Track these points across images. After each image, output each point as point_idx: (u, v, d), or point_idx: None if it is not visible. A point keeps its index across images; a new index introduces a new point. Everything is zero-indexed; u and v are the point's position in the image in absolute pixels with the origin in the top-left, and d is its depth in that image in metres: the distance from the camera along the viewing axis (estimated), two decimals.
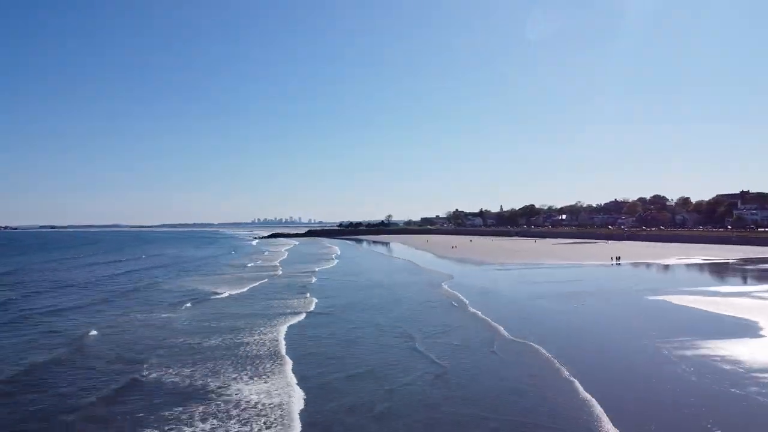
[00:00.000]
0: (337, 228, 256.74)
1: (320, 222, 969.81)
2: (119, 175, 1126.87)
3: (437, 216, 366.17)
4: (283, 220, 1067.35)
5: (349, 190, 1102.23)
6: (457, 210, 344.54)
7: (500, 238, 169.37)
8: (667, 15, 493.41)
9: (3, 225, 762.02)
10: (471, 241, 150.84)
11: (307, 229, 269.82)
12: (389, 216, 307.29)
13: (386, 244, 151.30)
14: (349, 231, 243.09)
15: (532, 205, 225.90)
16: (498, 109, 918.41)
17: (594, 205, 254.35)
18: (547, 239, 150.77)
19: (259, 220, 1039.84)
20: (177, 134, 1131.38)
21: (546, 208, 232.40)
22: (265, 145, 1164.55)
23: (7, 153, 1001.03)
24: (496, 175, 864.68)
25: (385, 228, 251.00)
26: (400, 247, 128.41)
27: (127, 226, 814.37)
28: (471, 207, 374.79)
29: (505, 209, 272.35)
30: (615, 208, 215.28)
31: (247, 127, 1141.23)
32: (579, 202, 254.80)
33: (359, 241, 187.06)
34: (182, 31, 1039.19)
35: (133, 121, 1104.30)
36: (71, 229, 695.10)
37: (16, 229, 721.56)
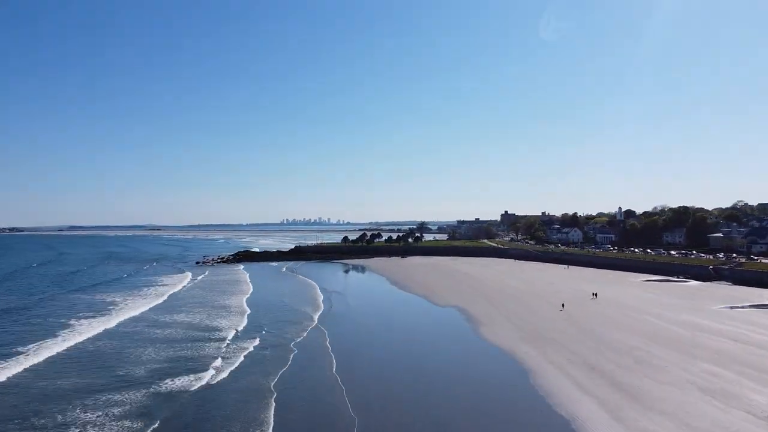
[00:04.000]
0: (339, 243, 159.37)
1: (348, 223, 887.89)
2: (157, 177, 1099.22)
3: (477, 219, 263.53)
4: (312, 221, 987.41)
5: (378, 189, 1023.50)
6: (507, 212, 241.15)
7: (676, 284, 71.13)
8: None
9: (9, 227, 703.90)
10: (594, 295, 58.19)
11: (291, 243, 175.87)
12: (423, 223, 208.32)
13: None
14: (356, 249, 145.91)
15: (685, 207, 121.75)
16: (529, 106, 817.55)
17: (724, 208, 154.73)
18: None
19: (287, 220, 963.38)
20: (198, 140, 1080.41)
21: (695, 209, 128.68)
22: (296, 144, 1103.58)
23: (7, 151, 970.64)
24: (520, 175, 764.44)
25: (415, 244, 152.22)
26: None
27: (150, 227, 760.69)
28: (521, 209, 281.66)
29: (581, 212, 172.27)
30: None
31: (276, 130, 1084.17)
32: (740, 201, 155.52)
33: (357, 269, 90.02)
34: (188, 35, 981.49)
35: (152, 125, 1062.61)
36: (90, 231, 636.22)
37: (22, 231, 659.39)
